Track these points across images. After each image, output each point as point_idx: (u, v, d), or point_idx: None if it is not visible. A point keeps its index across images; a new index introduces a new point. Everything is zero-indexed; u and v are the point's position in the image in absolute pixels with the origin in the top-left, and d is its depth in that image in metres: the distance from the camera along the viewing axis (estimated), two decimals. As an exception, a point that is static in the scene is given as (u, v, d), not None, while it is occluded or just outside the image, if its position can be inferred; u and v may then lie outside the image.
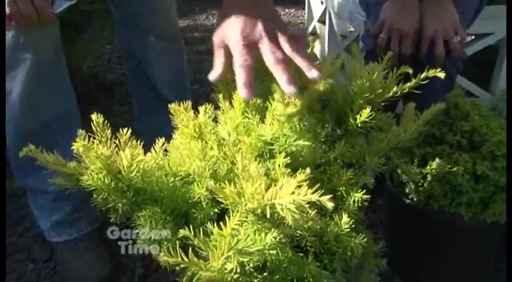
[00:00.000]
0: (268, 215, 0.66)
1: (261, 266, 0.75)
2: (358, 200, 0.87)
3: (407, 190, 1.29)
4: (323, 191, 0.62)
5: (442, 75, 0.90)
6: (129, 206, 0.79)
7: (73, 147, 0.76)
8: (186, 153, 0.81)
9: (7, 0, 1.10)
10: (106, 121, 0.80)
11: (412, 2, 1.33)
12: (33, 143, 0.80)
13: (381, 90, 0.90)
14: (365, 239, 0.83)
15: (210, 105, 0.92)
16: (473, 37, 2.27)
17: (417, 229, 1.32)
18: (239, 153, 0.72)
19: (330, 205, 0.62)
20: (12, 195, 1.69)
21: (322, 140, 0.91)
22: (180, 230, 0.68)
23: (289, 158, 0.79)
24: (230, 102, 0.89)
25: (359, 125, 0.90)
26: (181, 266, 0.66)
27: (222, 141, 0.86)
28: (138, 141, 0.81)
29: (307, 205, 0.64)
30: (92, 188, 0.77)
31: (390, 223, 1.47)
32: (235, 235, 0.68)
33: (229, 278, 0.68)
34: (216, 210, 0.79)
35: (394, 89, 0.91)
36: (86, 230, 1.49)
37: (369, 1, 1.54)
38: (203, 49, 3.23)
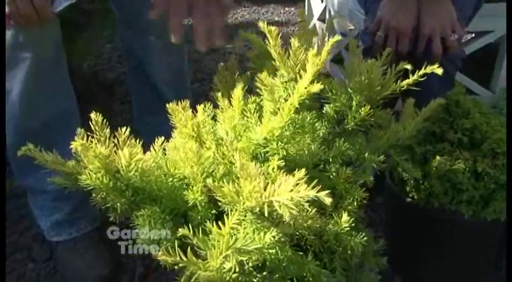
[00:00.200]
0: (266, 213, 0.65)
1: (260, 265, 0.75)
2: (357, 199, 0.87)
3: (407, 188, 1.29)
4: (321, 187, 0.62)
5: (439, 71, 0.90)
6: (128, 205, 0.78)
7: (71, 146, 0.76)
8: (181, 157, 0.80)
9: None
10: (106, 120, 0.80)
11: (409, 0, 1.33)
12: (32, 142, 0.80)
13: (379, 88, 0.90)
14: (365, 238, 0.83)
15: (209, 104, 0.92)
16: (473, 35, 2.26)
17: (417, 227, 1.31)
18: (237, 152, 0.71)
19: (328, 201, 0.61)
20: (12, 194, 1.68)
21: (321, 138, 0.91)
22: (179, 229, 0.68)
23: (284, 160, 0.79)
24: (229, 101, 0.89)
25: (358, 122, 0.90)
26: (180, 265, 0.65)
27: (220, 140, 0.86)
28: (137, 141, 0.81)
29: (307, 203, 0.64)
30: (91, 188, 0.77)
31: (390, 221, 1.47)
32: (234, 234, 0.68)
33: (228, 277, 0.68)
34: (214, 211, 0.78)
35: (393, 86, 0.90)
36: (86, 230, 1.49)
37: (367, -2, 1.53)
38: (203, 48, 3.22)
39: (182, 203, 0.79)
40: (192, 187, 0.79)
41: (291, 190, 0.62)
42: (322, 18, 2.89)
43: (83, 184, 0.76)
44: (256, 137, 0.82)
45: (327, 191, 0.61)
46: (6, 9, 1.11)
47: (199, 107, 0.90)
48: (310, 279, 0.78)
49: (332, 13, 2.63)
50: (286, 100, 0.82)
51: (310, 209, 0.73)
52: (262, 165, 0.81)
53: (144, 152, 0.81)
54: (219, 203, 0.72)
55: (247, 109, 0.88)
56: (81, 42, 2.15)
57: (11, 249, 1.56)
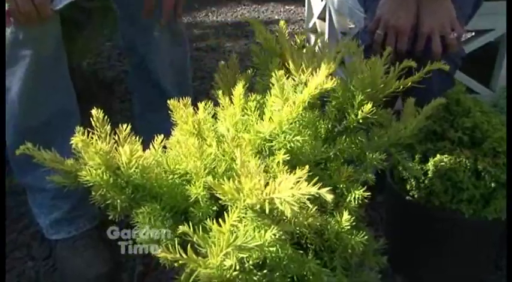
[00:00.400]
0: (267, 211, 0.65)
1: (260, 263, 0.74)
2: (358, 197, 0.86)
3: (408, 187, 1.29)
4: (322, 185, 0.62)
5: (446, 67, 0.89)
6: (128, 202, 0.78)
7: (72, 142, 0.76)
8: (183, 152, 0.80)
9: None
10: (106, 118, 0.80)
11: None
12: (32, 140, 0.79)
13: (382, 86, 0.89)
14: (366, 237, 0.83)
15: (209, 101, 0.92)
16: (473, 33, 2.26)
17: (418, 226, 1.31)
18: (238, 149, 0.71)
19: (329, 197, 0.61)
20: (11, 192, 1.68)
21: (323, 136, 0.91)
22: (180, 226, 0.68)
23: (288, 155, 0.78)
24: (230, 99, 0.89)
25: (360, 120, 0.90)
26: (180, 262, 0.65)
27: (221, 138, 0.86)
28: (137, 138, 0.81)
29: (308, 201, 0.63)
30: (90, 185, 0.77)
31: (391, 220, 1.46)
32: (235, 232, 0.68)
33: (228, 275, 0.67)
34: (215, 208, 0.78)
35: (396, 84, 0.90)
36: (85, 228, 1.48)
37: (366, -3, 1.53)
38: (203, 46, 3.22)
39: (182, 200, 0.79)
40: (194, 183, 0.78)
41: (292, 187, 0.62)
42: (322, 17, 2.89)
43: (83, 180, 0.76)
44: (264, 129, 0.82)
45: (328, 188, 0.61)
46: (6, 7, 1.10)
47: (200, 105, 0.90)
48: (311, 277, 0.78)
49: (332, 11, 2.63)
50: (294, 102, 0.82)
51: (311, 207, 0.73)
52: (266, 159, 0.80)
53: (144, 150, 0.81)
54: (221, 200, 0.71)
55: (248, 107, 0.88)
56: (81, 40, 2.15)
57: (10, 247, 1.56)
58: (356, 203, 0.86)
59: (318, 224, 0.76)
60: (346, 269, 0.85)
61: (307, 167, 0.66)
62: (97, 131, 0.78)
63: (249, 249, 0.67)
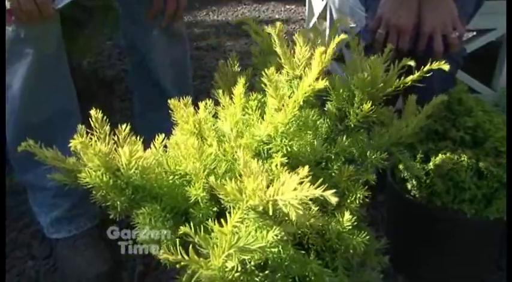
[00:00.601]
0: (271, 212, 0.64)
1: (262, 264, 0.74)
2: (360, 197, 0.86)
3: (409, 186, 1.29)
4: (326, 186, 0.61)
5: (446, 67, 0.89)
6: (128, 203, 0.78)
7: (70, 144, 0.75)
8: (183, 153, 0.80)
9: None
10: (106, 117, 0.80)
11: None
12: (32, 137, 0.79)
13: (382, 84, 0.89)
14: (367, 237, 0.82)
15: (210, 101, 0.91)
16: (475, 33, 2.25)
17: (419, 226, 1.31)
18: (240, 149, 0.71)
19: (333, 200, 0.60)
20: (12, 191, 1.68)
21: (323, 135, 0.90)
22: (181, 227, 0.67)
23: (287, 157, 0.78)
24: (231, 98, 0.88)
25: (360, 119, 0.89)
26: (182, 263, 0.65)
27: (222, 137, 0.85)
28: (138, 138, 0.80)
29: (310, 202, 0.63)
30: (91, 186, 0.76)
31: (392, 220, 1.46)
32: (236, 233, 0.67)
33: (230, 276, 0.67)
34: (215, 209, 0.78)
35: (396, 82, 0.90)
36: (85, 227, 1.48)
37: (367, -5, 1.52)
38: (203, 45, 3.22)
39: (183, 201, 0.79)
40: (194, 184, 0.78)
41: (295, 189, 0.61)
42: (323, 16, 2.88)
43: (82, 182, 0.76)
44: (260, 133, 0.82)
45: (333, 190, 0.60)
46: (7, 5, 1.10)
47: (201, 104, 0.89)
48: (312, 278, 0.77)
49: (333, 10, 2.62)
50: (290, 97, 0.82)
51: (312, 208, 0.72)
52: (265, 162, 0.80)
53: (145, 149, 0.81)
54: (221, 201, 0.71)
55: (249, 106, 0.88)
56: (82, 39, 2.14)
57: (10, 246, 1.56)
58: (357, 202, 0.86)
59: (319, 224, 0.76)
60: (348, 269, 0.85)
61: (306, 167, 0.65)
62: (96, 131, 0.78)
63: (251, 251, 0.66)
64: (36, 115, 1.32)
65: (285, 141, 0.82)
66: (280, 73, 0.91)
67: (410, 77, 0.91)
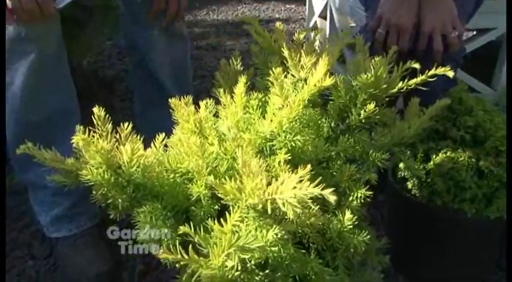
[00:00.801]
0: (269, 211, 0.64)
1: (262, 263, 0.74)
2: (361, 196, 0.86)
3: (409, 186, 1.28)
4: (325, 185, 0.61)
5: (450, 74, 0.89)
6: (129, 201, 0.78)
7: (73, 141, 0.75)
8: (185, 150, 0.80)
9: None
10: (107, 116, 0.80)
11: None
12: (33, 136, 0.79)
13: (385, 86, 0.89)
14: (368, 236, 0.82)
15: (211, 100, 0.91)
16: (474, 32, 2.25)
17: (420, 225, 1.31)
18: (239, 148, 0.70)
19: (332, 199, 0.60)
20: (12, 191, 1.68)
21: (325, 135, 0.90)
22: (180, 227, 0.67)
23: (290, 154, 0.78)
24: (231, 97, 0.88)
25: (362, 120, 0.89)
26: (182, 263, 0.65)
27: (222, 136, 0.85)
28: (139, 136, 0.80)
29: (310, 200, 0.63)
30: (92, 184, 0.76)
31: (393, 219, 1.46)
32: (236, 232, 0.67)
33: (230, 276, 0.67)
34: (216, 207, 0.77)
35: (399, 84, 0.90)
36: (86, 226, 1.48)
37: (367, -5, 1.52)
38: (203, 45, 3.22)
39: (184, 199, 0.79)
40: (196, 181, 0.78)
41: (294, 187, 0.61)
42: (323, 15, 2.88)
43: (84, 180, 0.75)
44: (264, 129, 0.82)
45: (331, 189, 0.60)
46: (9, 4, 1.10)
47: (202, 103, 0.89)
48: (313, 277, 0.77)
49: (333, 10, 2.62)
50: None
51: (313, 207, 0.72)
52: (268, 159, 0.80)
53: (145, 148, 0.81)
54: (222, 200, 0.71)
55: (250, 105, 0.88)
56: (83, 39, 2.15)
57: (10, 246, 1.56)
58: (358, 202, 0.86)
59: (320, 223, 0.76)
60: (349, 268, 0.85)
61: (309, 166, 0.65)
62: (98, 129, 0.78)
63: (252, 250, 0.66)
64: (36, 114, 1.33)
65: (289, 137, 0.81)
66: (285, 76, 0.91)
67: (414, 80, 0.91)
